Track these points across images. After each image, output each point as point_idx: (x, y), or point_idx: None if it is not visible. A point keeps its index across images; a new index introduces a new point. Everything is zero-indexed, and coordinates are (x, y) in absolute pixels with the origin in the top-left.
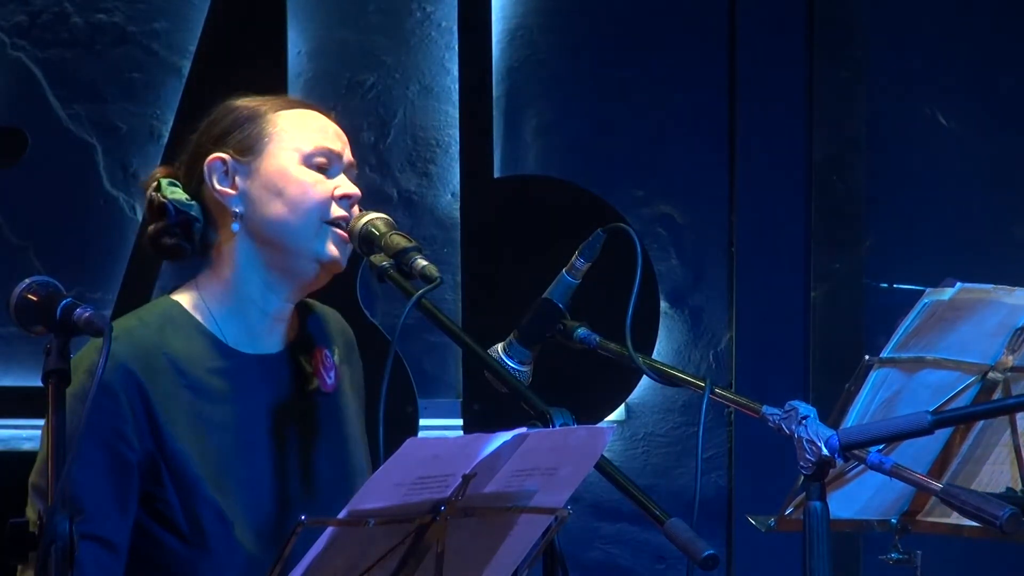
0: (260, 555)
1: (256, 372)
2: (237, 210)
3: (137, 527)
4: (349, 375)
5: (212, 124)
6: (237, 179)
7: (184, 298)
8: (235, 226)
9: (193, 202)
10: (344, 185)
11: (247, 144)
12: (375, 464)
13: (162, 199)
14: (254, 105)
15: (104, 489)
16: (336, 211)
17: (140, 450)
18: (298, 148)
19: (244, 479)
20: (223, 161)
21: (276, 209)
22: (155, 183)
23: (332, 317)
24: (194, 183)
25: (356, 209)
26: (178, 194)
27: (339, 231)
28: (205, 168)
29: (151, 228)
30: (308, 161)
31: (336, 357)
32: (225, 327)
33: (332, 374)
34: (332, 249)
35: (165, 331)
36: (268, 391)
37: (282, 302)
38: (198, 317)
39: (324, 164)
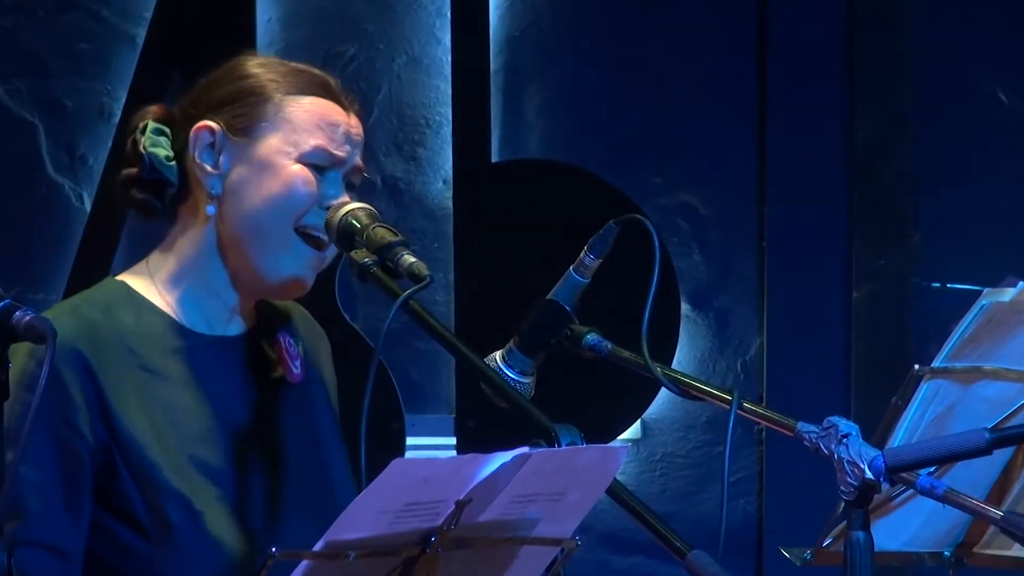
0: (236, 549)
1: (215, 354)
2: (214, 192)
3: (95, 528)
4: (319, 371)
5: (216, 84)
6: (222, 157)
7: (131, 278)
8: (210, 209)
9: (172, 163)
10: (339, 198)
11: (243, 123)
12: (357, 488)
13: (142, 149)
14: (266, 80)
15: (52, 488)
16: (312, 219)
17: (92, 440)
18: (296, 145)
19: (209, 468)
20: (212, 132)
21: (253, 202)
22: (143, 124)
23: (295, 309)
24: (182, 140)
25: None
26: (160, 149)
27: (308, 248)
28: (192, 135)
29: (123, 172)
30: (303, 159)
31: (301, 348)
32: (179, 307)
33: (298, 363)
34: (298, 273)
35: (113, 310)
36: (229, 375)
37: (243, 298)
38: (148, 296)
39: (321, 165)
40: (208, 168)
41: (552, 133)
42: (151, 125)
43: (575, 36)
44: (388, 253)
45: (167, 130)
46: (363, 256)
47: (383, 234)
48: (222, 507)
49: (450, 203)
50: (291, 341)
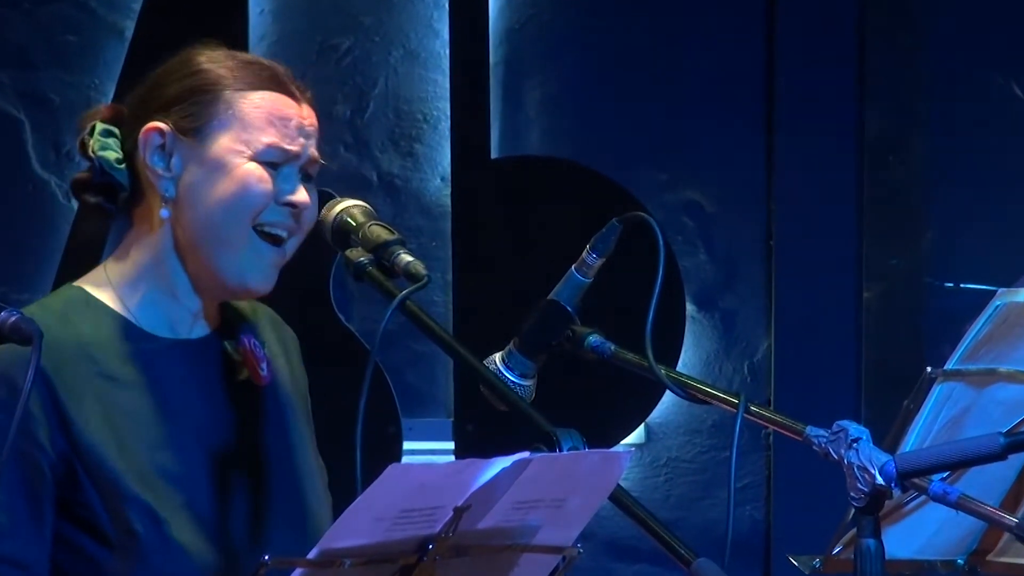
0: (203, 557)
1: (177, 358)
2: (167, 195)
3: (58, 540)
4: (289, 372)
5: (164, 81)
6: (174, 159)
7: (88, 284)
8: (164, 212)
9: (123, 166)
10: (297, 192)
11: (193, 123)
12: (352, 495)
13: (91, 153)
14: (214, 76)
15: (14, 500)
16: (270, 216)
17: (52, 452)
18: (248, 144)
19: (174, 474)
20: (162, 133)
21: (208, 203)
22: (91, 125)
23: (261, 310)
24: (131, 141)
25: (301, 221)
26: (109, 153)
27: (268, 245)
28: (141, 138)
29: (77, 174)
30: (257, 158)
31: (267, 349)
32: (139, 312)
33: (265, 365)
34: (259, 274)
35: (70, 316)
36: (192, 379)
37: (206, 301)
38: (106, 301)
39: (276, 162)
40: (160, 171)
41: (553, 128)
42: (99, 126)
43: (577, 28)
44: (384, 252)
45: (116, 130)
46: (358, 255)
47: (379, 232)
48: (188, 514)
49: (448, 200)
50: (256, 343)
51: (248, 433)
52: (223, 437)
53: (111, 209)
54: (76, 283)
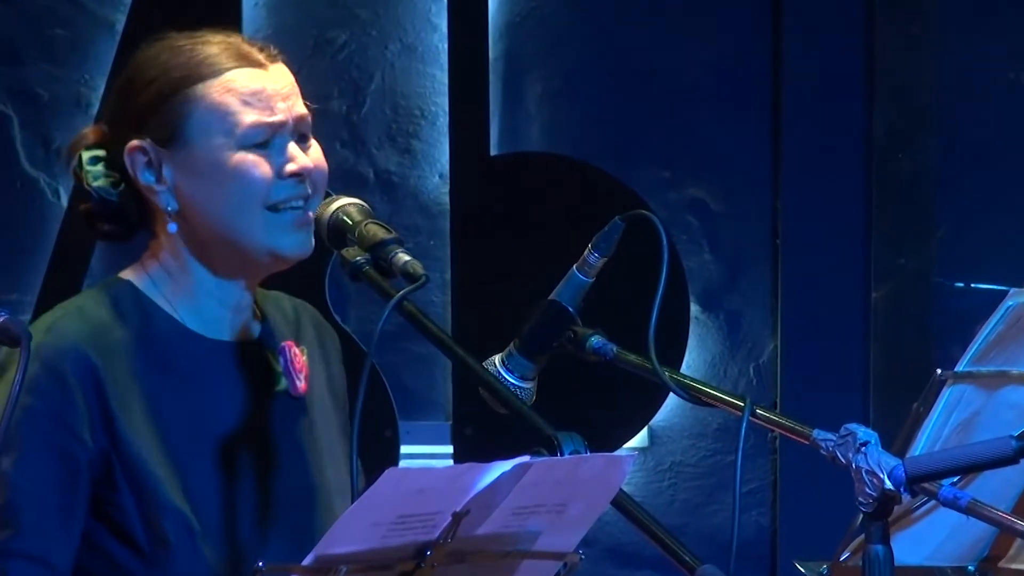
0: (223, 568)
1: (221, 361)
2: (170, 208)
3: (87, 544)
4: (327, 380)
5: (128, 96)
6: (164, 171)
7: (135, 277)
8: (172, 227)
9: (120, 187)
10: (296, 158)
11: (169, 131)
12: (349, 499)
13: (86, 185)
14: (178, 75)
15: (46, 496)
16: (278, 193)
17: (92, 447)
18: (230, 133)
19: (208, 484)
20: (144, 151)
21: (212, 205)
22: (78, 156)
23: (304, 311)
24: (121, 162)
25: (313, 182)
26: (102, 179)
27: (290, 213)
28: (126, 159)
29: (81, 207)
30: (243, 143)
31: (306, 356)
32: (184, 311)
33: (302, 376)
34: (287, 240)
35: (121, 312)
36: (234, 383)
37: (241, 291)
38: (155, 300)
39: (264, 140)
40: (154, 187)
41: (554, 125)
42: (86, 155)
43: (579, 22)
44: (381, 251)
45: (103, 154)
46: (355, 254)
47: (376, 231)
48: (213, 525)
49: (447, 198)
50: (296, 352)
51: (279, 445)
52: (254, 448)
53: (126, 230)
54: (124, 275)
